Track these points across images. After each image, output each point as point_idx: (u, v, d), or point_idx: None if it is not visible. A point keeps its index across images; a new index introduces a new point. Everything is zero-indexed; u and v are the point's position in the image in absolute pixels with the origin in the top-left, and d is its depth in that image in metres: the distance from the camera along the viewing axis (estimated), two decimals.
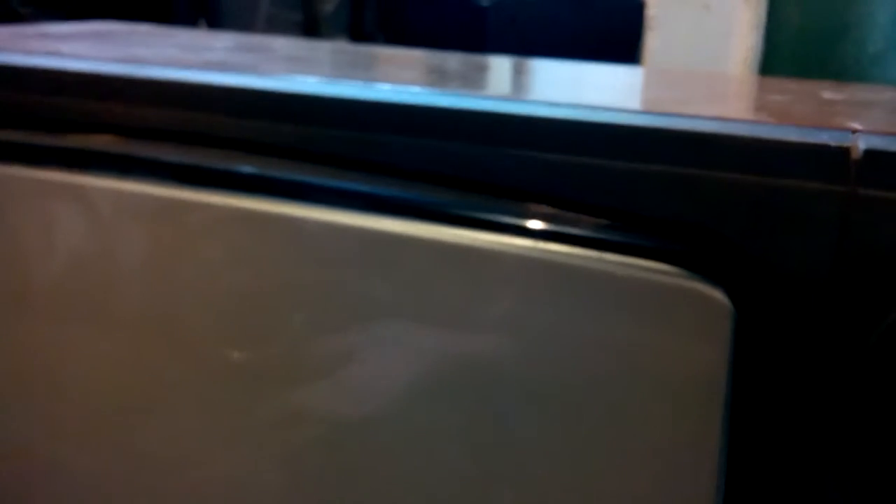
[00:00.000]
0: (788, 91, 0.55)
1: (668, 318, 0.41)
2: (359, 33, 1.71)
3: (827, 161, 0.38)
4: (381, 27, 1.70)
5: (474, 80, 0.60)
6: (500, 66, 0.67)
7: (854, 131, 0.39)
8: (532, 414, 0.44)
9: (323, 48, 0.76)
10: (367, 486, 0.49)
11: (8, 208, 0.53)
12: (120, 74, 0.49)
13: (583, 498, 0.44)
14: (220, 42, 0.69)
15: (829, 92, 0.54)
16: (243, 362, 0.50)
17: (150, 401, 0.52)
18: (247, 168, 0.47)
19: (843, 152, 0.37)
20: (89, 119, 0.49)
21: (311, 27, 1.43)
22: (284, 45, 0.73)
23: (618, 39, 1.48)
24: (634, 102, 0.56)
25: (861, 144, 0.38)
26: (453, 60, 0.66)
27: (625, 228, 0.41)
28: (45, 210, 0.52)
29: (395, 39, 1.66)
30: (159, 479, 0.53)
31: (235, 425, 0.51)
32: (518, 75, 0.64)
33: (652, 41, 1.43)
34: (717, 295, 0.39)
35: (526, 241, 0.42)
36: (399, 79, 0.55)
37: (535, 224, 0.42)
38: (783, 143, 0.38)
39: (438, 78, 0.60)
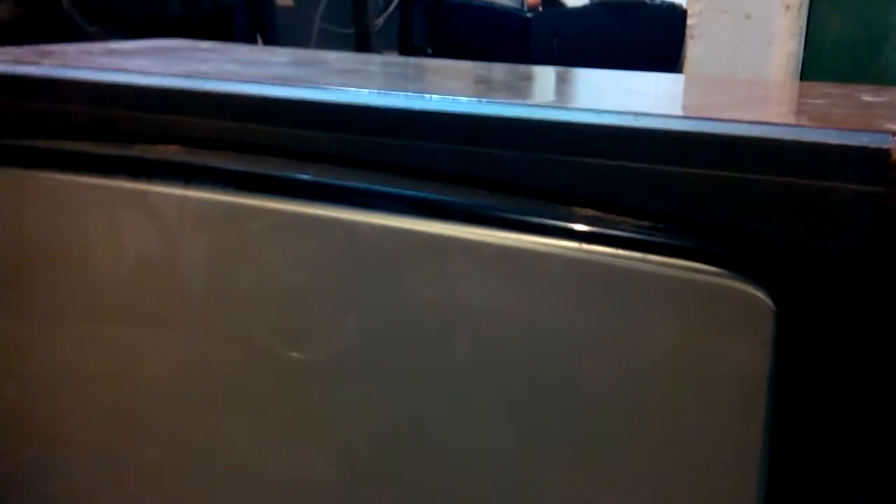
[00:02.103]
0: (828, 95, 0.55)
1: (712, 317, 0.42)
2: (407, 47, 1.73)
3: (866, 163, 0.38)
4: (429, 40, 1.72)
5: (521, 89, 0.62)
6: (545, 76, 0.69)
7: (894, 134, 0.39)
8: (577, 412, 0.45)
9: (375, 61, 0.78)
10: (418, 485, 0.50)
11: (80, 215, 0.55)
12: (186, 88, 0.51)
13: (626, 495, 0.45)
14: (276, 57, 0.71)
15: (868, 95, 0.55)
16: (301, 362, 0.51)
17: (212, 398, 0.54)
18: (305, 175, 0.49)
19: (883, 154, 0.38)
20: (156, 130, 0.51)
21: (361, 42, 1.46)
22: (338, 58, 0.76)
23: (658, 49, 1.48)
24: (677, 108, 0.57)
25: None
26: (500, 71, 0.67)
27: (669, 231, 0.42)
28: (114, 216, 0.55)
29: (442, 52, 1.68)
30: (220, 470, 0.55)
31: (292, 422, 0.53)
32: (564, 84, 0.65)
33: (693, 50, 1.43)
34: (760, 295, 0.40)
35: (571, 243, 0.43)
36: (449, 89, 0.57)
37: (580, 227, 0.43)
38: (823, 145, 0.39)
39: (487, 88, 0.61)
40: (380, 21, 1.58)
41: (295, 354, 0.52)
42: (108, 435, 0.58)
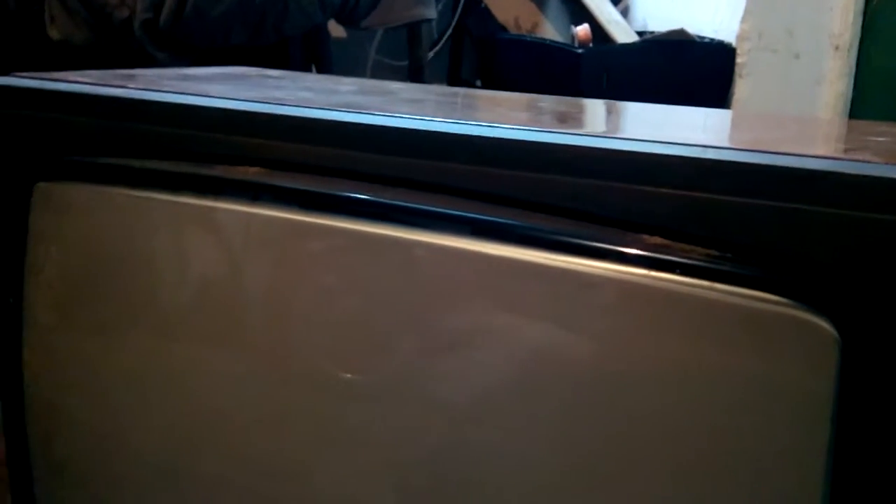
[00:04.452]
0: (887, 133, 0.56)
1: (776, 346, 0.42)
2: (456, 79, 1.76)
3: None
4: (478, 74, 1.75)
5: (586, 120, 0.63)
6: (607, 109, 0.70)
7: None
8: (639, 441, 0.46)
9: (434, 91, 0.81)
10: None
11: (152, 232, 0.57)
12: (269, 112, 0.54)
13: None
14: (343, 86, 0.73)
15: None
16: (356, 383, 0.53)
17: (271, 415, 0.55)
18: (374, 197, 0.50)
19: None
20: (238, 152, 0.53)
21: (414, 73, 1.49)
22: (401, 88, 0.78)
23: (707, 86, 1.49)
24: (739, 142, 0.58)
25: None
26: (563, 103, 0.69)
27: (735, 260, 0.43)
28: (186, 233, 0.57)
29: (492, 85, 1.70)
30: (271, 488, 0.56)
31: (346, 443, 0.53)
32: (625, 116, 0.67)
33: (741, 89, 1.44)
34: (824, 324, 0.41)
35: (639, 269, 0.44)
36: (517, 119, 0.58)
37: (648, 254, 0.44)
38: (889, 180, 0.40)
39: (553, 118, 0.62)
40: (430, 54, 1.61)
41: (349, 376, 0.53)
42: (166, 447, 0.60)
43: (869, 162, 0.44)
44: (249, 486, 0.57)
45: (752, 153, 0.44)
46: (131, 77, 0.66)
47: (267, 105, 0.56)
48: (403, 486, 0.53)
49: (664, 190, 0.44)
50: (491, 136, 0.48)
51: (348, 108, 0.55)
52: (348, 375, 0.53)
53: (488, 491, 0.50)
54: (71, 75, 0.63)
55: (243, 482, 0.57)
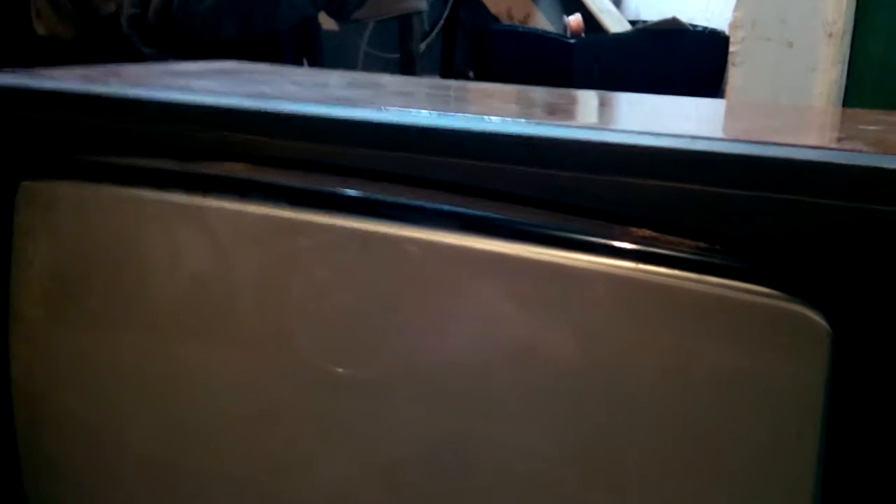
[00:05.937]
0: (880, 122, 0.56)
1: (766, 339, 0.42)
2: (449, 71, 1.76)
3: None
4: (471, 65, 1.75)
5: (575, 112, 0.63)
6: (596, 100, 0.70)
7: None
8: (630, 434, 0.46)
9: (425, 84, 0.80)
10: None
11: (142, 229, 0.57)
12: (256, 108, 0.53)
13: None
14: (333, 79, 0.73)
15: None
16: (349, 378, 0.52)
17: (263, 412, 0.55)
18: (363, 193, 0.50)
19: None
20: (223, 148, 0.53)
21: (406, 66, 1.49)
22: (391, 81, 0.78)
23: (700, 75, 1.49)
24: (730, 132, 0.58)
25: None
26: (552, 94, 0.68)
27: (725, 252, 0.43)
28: (175, 231, 0.56)
29: (484, 76, 1.70)
30: (269, 484, 0.56)
31: (339, 438, 0.53)
32: (615, 107, 0.66)
33: (735, 77, 1.43)
34: (815, 317, 0.41)
35: (627, 263, 0.44)
36: (506, 112, 0.58)
37: (636, 247, 0.44)
38: (881, 170, 0.39)
39: (542, 111, 0.62)
40: (423, 45, 1.61)
41: (342, 371, 0.52)
42: (161, 445, 0.59)
43: (861, 151, 0.44)
44: (241, 480, 0.57)
45: (742, 143, 0.44)
46: (118, 73, 0.65)
47: (255, 100, 0.55)
48: (400, 481, 0.52)
49: (652, 181, 0.43)
50: (480, 129, 0.48)
51: (337, 102, 0.54)
52: (341, 370, 0.53)
53: (486, 486, 0.50)
54: (57, 71, 0.62)
55: (234, 476, 0.57)
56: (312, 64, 1.43)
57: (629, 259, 0.44)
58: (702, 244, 0.43)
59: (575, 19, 1.61)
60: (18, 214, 0.59)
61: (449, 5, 1.90)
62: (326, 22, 1.58)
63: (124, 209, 0.57)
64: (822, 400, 0.41)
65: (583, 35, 1.55)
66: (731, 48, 1.40)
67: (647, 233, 0.44)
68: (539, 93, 0.69)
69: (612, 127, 0.52)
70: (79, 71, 0.64)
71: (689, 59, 1.50)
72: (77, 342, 0.61)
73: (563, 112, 0.62)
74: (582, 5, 1.70)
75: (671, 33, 1.53)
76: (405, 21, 1.53)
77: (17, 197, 0.58)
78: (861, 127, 0.56)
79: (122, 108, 0.56)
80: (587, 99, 0.72)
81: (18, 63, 0.65)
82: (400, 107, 0.53)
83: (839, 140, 0.54)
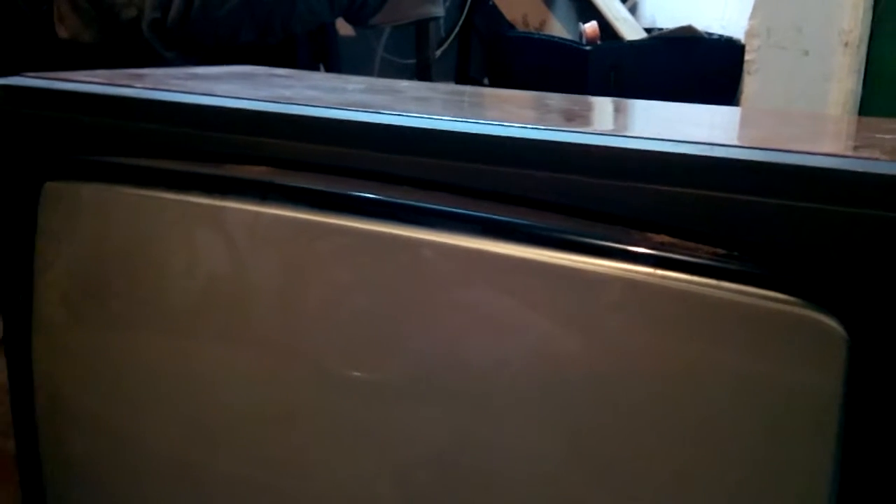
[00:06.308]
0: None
1: (784, 345, 0.42)
2: (464, 77, 1.77)
3: None
4: (486, 71, 1.75)
5: (594, 118, 0.63)
6: (615, 107, 0.70)
7: None
8: (645, 439, 0.46)
9: (442, 89, 0.81)
10: None
11: (163, 230, 0.58)
12: (278, 112, 0.54)
13: None
14: (351, 84, 0.74)
15: None
16: (365, 380, 0.53)
17: (280, 413, 0.56)
18: (382, 196, 0.50)
19: None
20: (246, 151, 0.54)
21: (421, 71, 1.50)
22: (409, 86, 0.78)
23: (715, 84, 1.49)
24: (747, 139, 0.58)
25: None
26: (571, 101, 0.69)
27: (742, 258, 0.43)
28: (195, 232, 0.57)
29: (499, 83, 1.70)
30: (285, 484, 0.56)
31: (355, 439, 0.54)
32: (633, 114, 0.67)
33: (750, 85, 1.43)
34: (832, 323, 0.41)
35: (645, 268, 0.44)
36: (524, 118, 0.58)
37: (654, 252, 0.44)
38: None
39: (560, 116, 0.62)
40: (438, 52, 1.62)
41: (359, 374, 0.53)
42: (178, 444, 0.60)
43: (878, 160, 0.44)
44: (262, 482, 0.57)
45: (759, 151, 0.44)
46: (139, 76, 0.66)
47: (275, 104, 0.56)
48: (414, 482, 0.53)
49: (671, 188, 0.44)
50: (499, 134, 0.48)
51: (356, 106, 0.55)
52: (358, 373, 0.53)
53: (501, 489, 0.50)
54: (79, 75, 0.63)
55: (255, 479, 0.57)
56: (329, 69, 1.44)
57: (647, 264, 0.44)
58: (719, 250, 0.43)
59: (591, 27, 1.61)
60: (42, 215, 0.59)
61: (465, 12, 1.91)
62: (343, 27, 1.59)
63: (146, 211, 0.58)
64: (838, 405, 0.41)
65: (598, 42, 1.56)
66: (747, 56, 1.40)
67: (665, 238, 0.44)
68: (555, 99, 0.69)
69: (630, 134, 0.52)
70: (101, 74, 0.65)
71: (705, 67, 1.50)
72: (98, 343, 0.61)
73: (581, 118, 0.62)
74: (598, 13, 1.70)
75: (687, 41, 1.53)
76: (421, 27, 1.54)
77: (41, 198, 0.59)
78: (878, 135, 0.56)
79: (145, 110, 0.57)
80: (603, 106, 0.72)
81: (41, 67, 0.66)
82: (419, 112, 0.53)
83: (856, 148, 0.54)
